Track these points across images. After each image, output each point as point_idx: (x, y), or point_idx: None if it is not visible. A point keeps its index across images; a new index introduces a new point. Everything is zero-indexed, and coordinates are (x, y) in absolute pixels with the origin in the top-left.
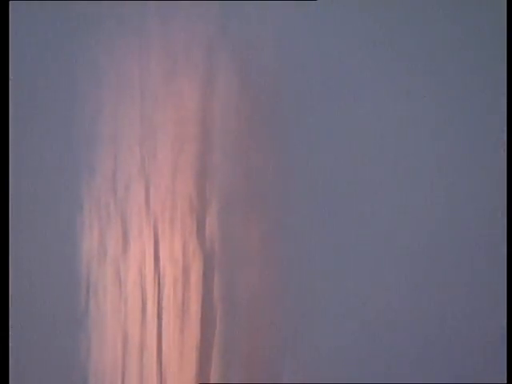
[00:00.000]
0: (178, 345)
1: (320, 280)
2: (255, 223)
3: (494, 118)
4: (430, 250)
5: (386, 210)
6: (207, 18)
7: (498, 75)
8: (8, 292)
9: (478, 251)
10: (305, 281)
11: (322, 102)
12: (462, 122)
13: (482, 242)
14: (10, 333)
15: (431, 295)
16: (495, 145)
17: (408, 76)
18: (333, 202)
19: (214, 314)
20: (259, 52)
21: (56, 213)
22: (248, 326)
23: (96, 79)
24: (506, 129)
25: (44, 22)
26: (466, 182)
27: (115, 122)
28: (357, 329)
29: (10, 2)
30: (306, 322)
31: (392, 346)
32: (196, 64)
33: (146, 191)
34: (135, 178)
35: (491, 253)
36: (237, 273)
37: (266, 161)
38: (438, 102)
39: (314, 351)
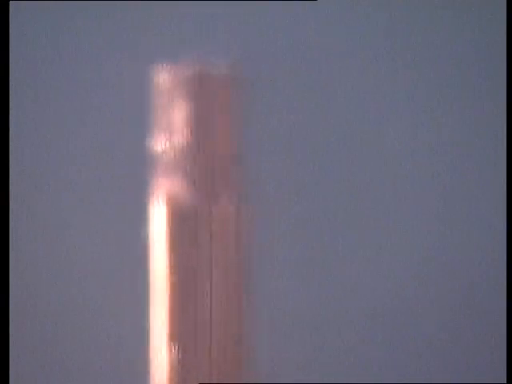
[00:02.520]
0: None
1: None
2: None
3: (495, 117)
4: (427, 250)
5: (382, 210)
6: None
7: (498, 74)
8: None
9: (477, 251)
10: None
11: (319, 103)
12: (461, 119)
13: (482, 241)
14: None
15: (430, 295)
16: (495, 144)
17: (406, 76)
18: (321, 201)
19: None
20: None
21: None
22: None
23: (98, 79)
24: (506, 129)
25: (44, 22)
26: (465, 178)
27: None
28: (351, 331)
29: (10, 2)
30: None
31: (390, 346)
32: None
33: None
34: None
35: (491, 253)
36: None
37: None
38: (437, 101)
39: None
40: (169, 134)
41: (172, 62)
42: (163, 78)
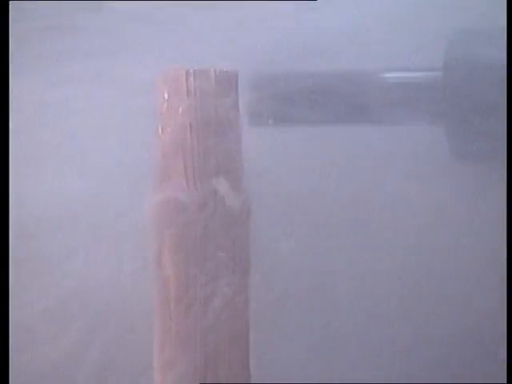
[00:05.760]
0: None
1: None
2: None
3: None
4: (427, 249)
5: (385, 209)
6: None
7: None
8: None
9: (478, 250)
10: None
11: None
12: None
13: (483, 241)
14: None
15: (430, 293)
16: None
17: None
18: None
19: None
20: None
21: None
22: None
23: (98, 80)
24: (506, 129)
25: (44, 22)
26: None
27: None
28: (349, 331)
29: (10, 2)
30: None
31: (390, 345)
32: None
33: None
34: None
35: (491, 252)
36: None
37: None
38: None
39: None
40: (170, 134)
41: (171, 62)
42: (163, 78)
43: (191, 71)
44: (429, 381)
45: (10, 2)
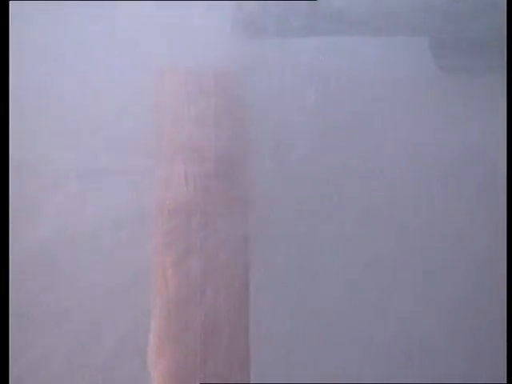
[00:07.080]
0: None
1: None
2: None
3: (494, 118)
4: (428, 249)
5: (387, 212)
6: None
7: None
8: None
9: (478, 250)
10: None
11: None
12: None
13: (483, 240)
14: None
15: (430, 293)
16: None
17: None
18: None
19: None
20: None
21: None
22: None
23: (97, 80)
24: (506, 127)
25: (44, 22)
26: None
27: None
28: (353, 331)
29: (10, 2)
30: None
31: (389, 345)
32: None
33: None
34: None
35: (492, 252)
36: None
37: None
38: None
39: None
40: (170, 137)
41: (170, 63)
42: (161, 79)
43: (190, 71)
44: (429, 381)
45: (10, 2)
